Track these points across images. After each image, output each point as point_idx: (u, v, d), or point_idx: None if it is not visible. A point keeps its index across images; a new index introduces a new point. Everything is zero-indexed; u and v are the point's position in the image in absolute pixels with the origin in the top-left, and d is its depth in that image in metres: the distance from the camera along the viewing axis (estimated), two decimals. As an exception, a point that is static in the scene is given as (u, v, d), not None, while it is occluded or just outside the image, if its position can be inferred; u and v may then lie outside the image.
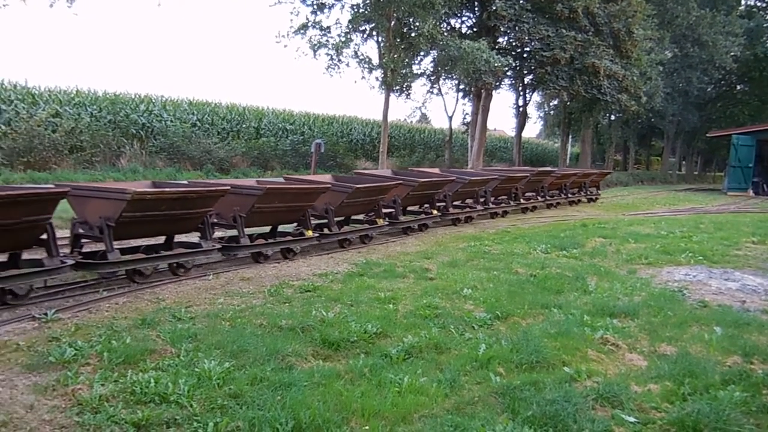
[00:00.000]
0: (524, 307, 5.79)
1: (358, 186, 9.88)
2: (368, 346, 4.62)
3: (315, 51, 20.06)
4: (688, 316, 5.70)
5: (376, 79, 20.95)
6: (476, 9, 26.13)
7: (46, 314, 5.08)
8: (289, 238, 8.86)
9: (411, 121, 35.89)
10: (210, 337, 4.58)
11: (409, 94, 25.88)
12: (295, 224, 9.08)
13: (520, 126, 33.87)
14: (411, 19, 19.84)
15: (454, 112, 31.11)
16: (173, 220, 7.18)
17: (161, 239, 7.53)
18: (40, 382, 3.72)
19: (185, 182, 9.60)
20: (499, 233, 11.51)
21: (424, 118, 43.37)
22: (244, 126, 25.18)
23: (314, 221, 9.32)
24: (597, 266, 8.14)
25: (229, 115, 25.08)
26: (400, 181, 11.42)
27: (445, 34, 21.96)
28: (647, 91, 29.17)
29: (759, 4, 45.25)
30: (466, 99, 31.19)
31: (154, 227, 7.21)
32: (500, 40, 26.30)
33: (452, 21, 26.32)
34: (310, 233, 9.01)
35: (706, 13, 35.37)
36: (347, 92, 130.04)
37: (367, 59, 20.51)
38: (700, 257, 8.99)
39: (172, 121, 21.98)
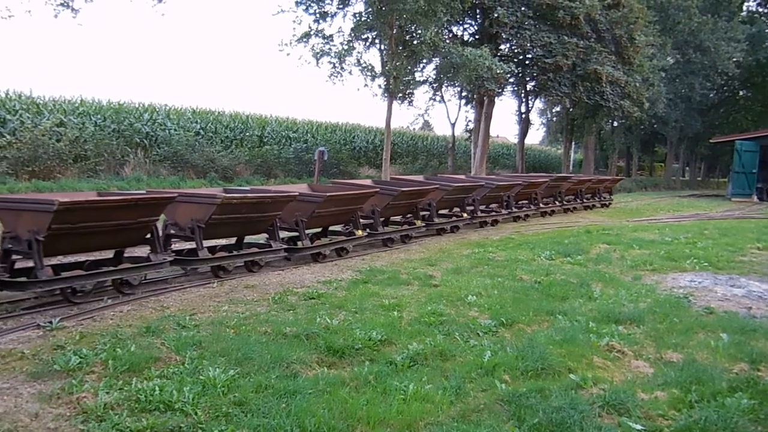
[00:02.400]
0: (529, 314, 5.77)
1: (402, 189, 10.85)
2: (373, 353, 4.60)
3: (318, 59, 20.15)
4: (694, 322, 5.67)
5: (379, 86, 21.02)
6: (478, 16, 26.22)
7: (50, 322, 5.09)
8: (342, 238, 9.65)
9: (414, 128, 35.99)
10: (214, 344, 4.57)
11: (411, 101, 25.95)
12: (344, 225, 9.94)
13: (523, 133, 33.89)
14: (413, 27, 19.92)
15: (456, 119, 31.14)
16: (250, 222, 8.00)
17: (233, 240, 8.28)
18: (45, 390, 3.72)
19: (248, 188, 10.23)
20: (503, 240, 11.50)
21: (426, 125, 43.47)
22: (247, 134, 25.25)
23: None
24: (602, 273, 8.12)
25: (232, 124, 25.16)
26: (437, 185, 12.25)
27: (448, 41, 22.04)
28: (650, 97, 29.20)
29: (761, 9, 45.31)
30: (469, 106, 31.25)
31: (235, 228, 8.01)
32: (502, 47, 26.37)
33: (454, 28, 26.41)
34: (360, 233, 9.80)
35: (708, 19, 35.41)
36: (350, 100, 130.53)
37: (369, 67, 20.58)
38: (705, 263, 8.95)
39: (175, 130, 22.04)
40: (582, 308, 6.15)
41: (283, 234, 8.82)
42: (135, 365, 4.08)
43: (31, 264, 6.03)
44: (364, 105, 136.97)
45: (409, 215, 11.67)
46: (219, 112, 25.53)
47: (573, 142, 39.29)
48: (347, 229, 9.93)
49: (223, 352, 4.39)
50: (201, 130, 23.36)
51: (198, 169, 20.70)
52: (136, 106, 22.48)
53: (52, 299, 6.19)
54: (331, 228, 9.99)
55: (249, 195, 7.94)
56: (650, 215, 19.10)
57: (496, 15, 23.22)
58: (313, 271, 8.06)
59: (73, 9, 15.33)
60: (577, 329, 5.27)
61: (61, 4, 15.15)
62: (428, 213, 12.01)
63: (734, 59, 36.60)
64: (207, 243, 7.67)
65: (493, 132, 32.92)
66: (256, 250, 8.19)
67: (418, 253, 9.79)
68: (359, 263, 8.71)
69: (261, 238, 8.70)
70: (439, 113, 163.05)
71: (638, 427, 3.50)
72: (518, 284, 7.22)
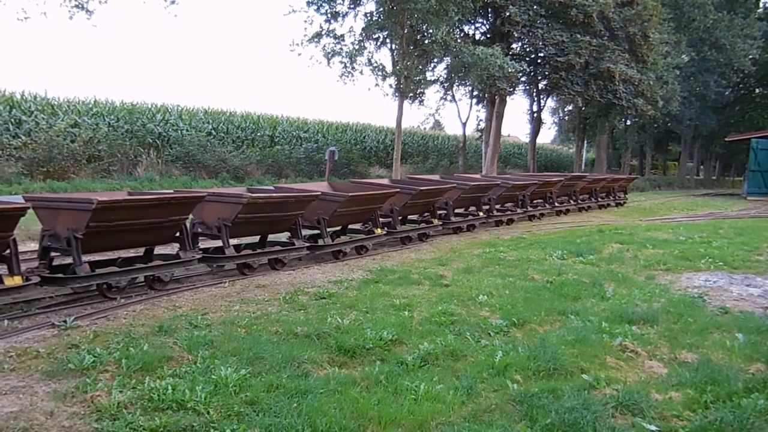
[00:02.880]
0: (541, 314, 5.73)
1: (421, 188, 11.00)
2: (384, 353, 4.60)
3: (329, 59, 20.19)
4: (709, 322, 5.61)
5: (390, 86, 21.01)
6: (490, 15, 26.13)
7: (65, 321, 5.14)
8: (362, 236, 9.89)
9: (424, 128, 35.92)
10: (226, 344, 4.59)
11: (422, 100, 25.91)
12: (362, 224, 10.19)
13: (535, 132, 33.73)
14: (424, 26, 19.88)
15: (467, 118, 31.05)
16: (274, 221, 8.21)
17: (255, 239, 8.43)
18: (60, 388, 3.75)
19: (272, 188, 10.32)
20: (514, 239, 11.44)
21: (437, 124, 43.37)
22: (258, 134, 25.37)
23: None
24: (614, 272, 8.05)
25: (243, 124, 25.29)
26: (454, 185, 12.35)
27: (459, 40, 21.97)
28: (664, 96, 28.91)
29: (777, 6, 44.69)
30: (480, 105, 31.15)
31: (260, 227, 8.22)
32: (514, 45, 26.27)
33: (466, 27, 26.33)
34: (379, 231, 10.07)
35: (724, 16, 35.01)
36: (361, 100, 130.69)
37: (380, 67, 20.59)
38: (720, 263, 8.85)
39: (187, 130, 22.21)
40: (594, 308, 6.10)
41: (304, 232, 8.99)
42: (148, 364, 4.11)
43: (67, 261, 6.41)
44: (375, 105, 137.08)
45: (426, 214, 11.82)
46: (230, 113, 25.69)
47: (585, 141, 39.04)
48: (366, 227, 10.16)
49: (235, 351, 4.41)
50: (213, 131, 23.52)
51: (210, 169, 20.83)
52: (149, 106, 22.69)
53: (67, 298, 6.28)
54: (350, 226, 10.20)
55: (274, 195, 8.16)
56: (664, 214, 18.92)
57: (507, 14, 23.13)
58: (324, 270, 8.07)
59: (87, 10, 15.46)
60: (589, 329, 5.23)
61: (76, 6, 15.29)
62: (445, 212, 12.17)
63: (750, 56, 36.17)
64: (231, 241, 7.87)
65: (504, 131, 32.81)
66: (279, 248, 8.37)
67: (429, 253, 9.77)
68: (370, 263, 8.70)
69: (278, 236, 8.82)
70: (450, 113, 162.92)
71: (652, 427, 3.47)
72: (530, 284, 7.18)
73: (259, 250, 8.15)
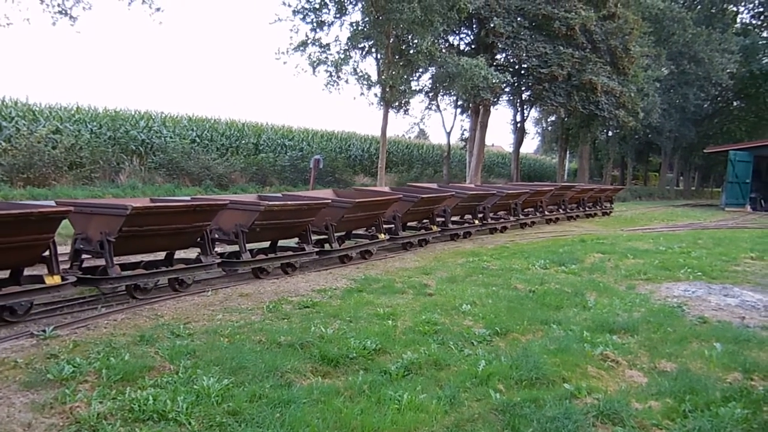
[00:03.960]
0: (523, 323, 5.78)
1: (422, 196, 11.50)
2: (367, 362, 4.60)
3: (314, 68, 20.23)
4: (687, 332, 5.69)
5: (375, 95, 21.13)
6: (474, 26, 26.41)
7: (44, 331, 5.06)
8: (366, 241, 10.31)
9: (409, 137, 36.02)
10: (209, 353, 4.56)
11: (407, 110, 26.06)
12: (365, 229, 10.74)
13: (518, 142, 34.05)
14: (410, 37, 20.03)
15: (452, 127, 31.30)
16: (288, 227, 8.62)
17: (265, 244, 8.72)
18: (38, 399, 3.70)
19: (280, 195, 10.73)
20: (497, 249, 11.52)
21: (422, 133, 43.67)
22: (243, 142, 25.26)
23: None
24: (596, 282, 8.14)
25: (228, 131, 25.17)
26: (453, 193, 12.95)
27: (444, 51, 22.17)
28: (644, 107, 29.38)
29: (754, 21, 45.74)
30: (464, 115, 31.42)
31: (274, 233, 8.57)
32: (498, 56, 26.55)
33: (450, 38, 26.58)
34: (382, 236, 10.46)
35: (702, 31, 35.73)
36: (346, 108, 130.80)
37: (366, 76, 20.68)
38: (699, 273, 8.99)
39: (171, 138, 22.04)
40: (576, 317, 6.16)
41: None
42: (129, 374, 4.07)
43: (94, 263, 6.89)
44: (360, 113, 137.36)
45: (425, 221, 12.32)
46: (215, 120, 25.56)
47: (568, 152, 39.50)
48: (369, 232, 10.69)
49: (218, 361, 4.38)
50: (197, 138, 23.37)
51: (193, 177, 20.68)
52: (132, 113, 22.47)
53: (46, 306, 6.19)
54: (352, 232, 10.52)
55: (289, 203, 8.59)
56: (644, 224, 19.18)
57: (492, 25, 23.38)
58: (308, 279, 8.06)
59: (71, 17, 15.34)
60: (571, 338, 5.28)
61: (59, 12, 15.16)
62: (443, 219, 12.68)
63: (728, 70, 36.88)
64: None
65: (488, 141, 33.05)
66: (291, 252, 8.81)
67: (413, 262, 9.80)
68: (354, 272, 8.70)
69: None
70: (435, 122, 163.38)
71: (632, 437, 3.51)
72: (513, 293, 7.23)
73: (271, 255, 8.50)
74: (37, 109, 19.73)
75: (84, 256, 6.82)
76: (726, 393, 4.16)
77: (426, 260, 10.00)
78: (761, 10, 44.89)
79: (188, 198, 9.29)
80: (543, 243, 12.77)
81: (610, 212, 22.91)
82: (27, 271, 6.15)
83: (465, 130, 31.70)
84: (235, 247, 8.03)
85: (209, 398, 3.72)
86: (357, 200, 9.78)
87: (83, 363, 4.24)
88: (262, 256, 8.32)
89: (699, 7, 41.03)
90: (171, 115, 23.87)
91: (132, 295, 6.65)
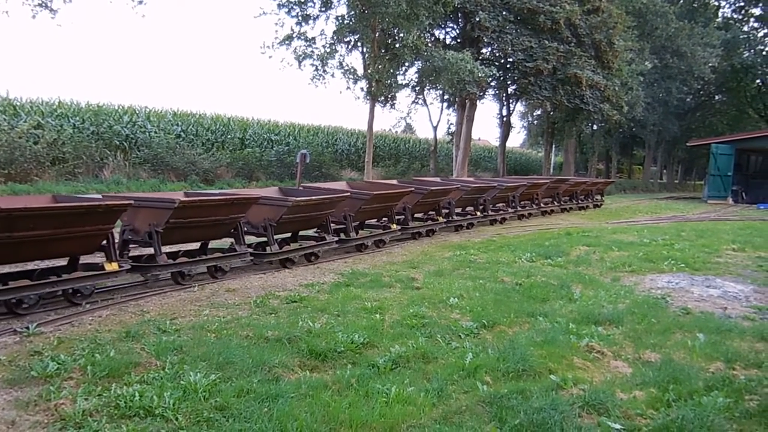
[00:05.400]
0: (510, 316, 5.82)
1: (431, 188, 12.29)
2: (355, 356, 4.60)
3: (300, 62, 20.11)
4: (671, 323, 5.77)
5: (361, 89, 21.04)
6: (460, 20, 26.39)
7: (27, 328, 5.00)
8: (380, 231, 10.98)
9: (396, 131, 36.03)
10: (195, 349, 4.53)
11: (393, 104, 26.01)
12: (377, 220, 11.43)
13: (504, 136, 34.16)
14: (395, 30, 19.97)
15: (438, 122, 31.26)
16: (311, 219, 9.21)
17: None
18: (22, 397, 3.66)
19: (301, 188, 11.49)
20: (484, 242, 11.57)
21: (408, 128, 43.56)
22: (228, 137, 25.07)
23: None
24: (581, 274, 8.21)
25: (213, 126, 24.96)
26: (458, 186, 13.79)
27: (430, 45, 22.12)
28: (628, 101, 29.60)
29: (735, 16, 46.27)
30: (451, 109, 31.40)
31: (297, 226, 9.16)
32: (484, 50, 26.57)
33: (436, 32, 26.53)
34: (394, 226, 11.20)
35: (685, 25, 36.06)
36: (332, 103, 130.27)
37: (352, 70, 20.59)
38: (682, 264, 9.11)
39: (156, 132, 21.81)
40: (562, 309, 6.22)
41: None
42: (114, 371, 4.03)
43: (137, 252, 7.60)
44: (347, 108, 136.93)
45: (431, 212, 13.03)
46: (200, 115, 25.33)
47: (553, 145, 39.70)
48: (382, 223, 11.33)
49: (204, 356, 4.36)
50: (182, 133, 23.16)
51: (179, 172, 20.50)
52: (116, 108, 22.19)
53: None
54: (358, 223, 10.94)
55: (314, 197, 9.07)
56: (629, 217, 19.37)
57: (477, 19, 23.39)
58: (295, 274, 8.04)
59: (51, 9, 15.07)
60: (557, 330, 5.33)
61: (40, 5, 14.89)
62: (447, 210, 13.27)
63: (710, 64, 37.29)
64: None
65: (474, 135, 33.15)
66: (314, 242, 9.30)
67: (400, 256, 9.81)
68: (341, 266, 8.70)
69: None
70: (422, 116, 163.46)
71: (617, 426, 3.55)
72: (499, 286, 7.27)
73: (295, 246, 8.99)
74: (18, 103, 19.41)
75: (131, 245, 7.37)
76: (709, 382, 4.22)
77: (413, 254, 10.03)
78: (742, 4, 45.43)
79: (217, 192, 10.08)
80: (529, 236, 12.85)
81: (601, 204, 23.71)
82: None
83: (451, 124, 31.70)
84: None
85: (196, 394, 3.71)
86: (375, 192, 10.46)
87: (68, 360, 4.20)
88: (288, 247, 8.84)
89: (681, 1, 41.46)
90: (155, 110, 23.61)
91: (177, 281, 7.17)
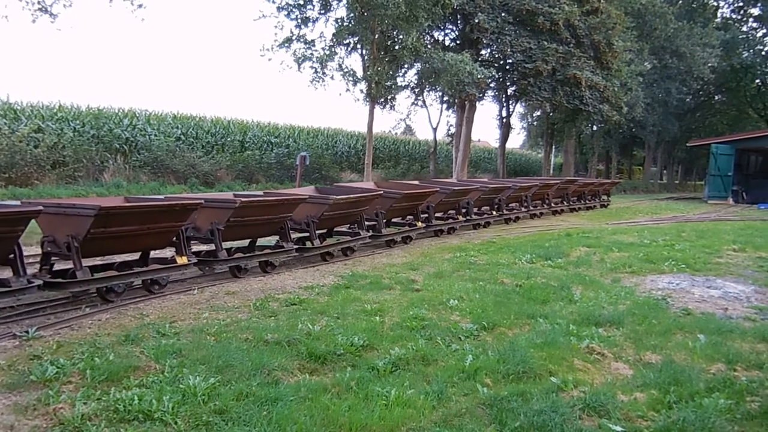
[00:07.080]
0: (510, 318, 5.80)
1: (454, 188, 13.17)
2: (355, 358, 4.59)
3: (299, 64, 20.13)
4: (672, 324, 5.75)
5: (361, 91, 21.05)
6: (459, 22, 26.41)
7: (27, 332, 4.99)
8: (406, 228, 11.74)
9: (395, 133, 36.10)
10: (195, 352, 4.52)
11: (393, 106, 26.05)
12: (402, 218, 12.13)
13: (504, 137, 34.18)
14: (395, 32, 19.99)
15: (438, 123, 31.28)
16: (346, 216, 9.84)
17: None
18: (21, 401, 3.64)
19: (335, 187, 12.28)
20: (484, 244, 11.55)
21: (408, 129, 43.65)
22: (228, 139, 25.08)
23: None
24: (582, 275, 8.20)
25: (213, 129, 24.97)
26: (477, 186, 14.60)
27: (429, 46, 22.14)
28: (628, 102, 29.62)
29: (734, 16, 46.32)
30: (450, 110, 31.42)
31: (335, 222, 9.79)
32: (483, 52, 26.59)
33: (435, 34, 26.57)
34: (420, 224, 11.95)
35: (684, 25, 36.10)
36: (332, 105, 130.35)
37: (351, 72, 20.60)
38: (683, 265, 9.09)
39: (156, 135, 21.82)
40: (562, 311, 6.20)
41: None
42: (113, 374, 4.02)
43: (196, 248, 8.19)
44: (346, 110, 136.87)
45: (451, 211, 13.83)
46: (200, 118, 25.34)
47: (553, 146, 39.72)
48: (407, 221, 12.02)
49: (204, 359, 4.35)
50: (182, 136, 23.17)
51: (178, 175, 20.52)
52: (116, 111, 22.21)
53: (29, 307, 6.11)
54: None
55: (352, 195, 9.65)
56: (629, 218, 19.35)
57: (476, 21, 23.41)
58: (295, 276, 8.03)
59: (51, 14, 15.08)
60: (557, 332, 5.31)
61: (39, 9, 14.90)
62: (466, 210, 14.02)
63: (709, 65, 37.33)
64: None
65: (474, 136, 33.13)
66: (349, 238, 9.96)
67: (400, 258, 9.80)
68: (341, 268, 8.69)
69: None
70: (421, 118, 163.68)
71: (618, 428, 3.54)
72: (499, 288, 7.26)
73: (333, 241, 9.73)
74: (19, 107, 19.44)
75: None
76: (710, 384, 4.21)
77: (413, 256, 10.01)
78: (741, 4, 45.48)
79: (261, 192, 10.52)
80: (529, 237, 12.83)
81: (608, 204, 24.17)
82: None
83: (451, 125, 31.71)
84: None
85: (195, 397, 3.69)
86: (406, 191, 11.13)
87: (67, 364, 4.18)
88: (328, 242, 9.47)
89: (680, 2, 41.48)
90: (155, 113, 23.62)
91: (234, 274, 7.87)
